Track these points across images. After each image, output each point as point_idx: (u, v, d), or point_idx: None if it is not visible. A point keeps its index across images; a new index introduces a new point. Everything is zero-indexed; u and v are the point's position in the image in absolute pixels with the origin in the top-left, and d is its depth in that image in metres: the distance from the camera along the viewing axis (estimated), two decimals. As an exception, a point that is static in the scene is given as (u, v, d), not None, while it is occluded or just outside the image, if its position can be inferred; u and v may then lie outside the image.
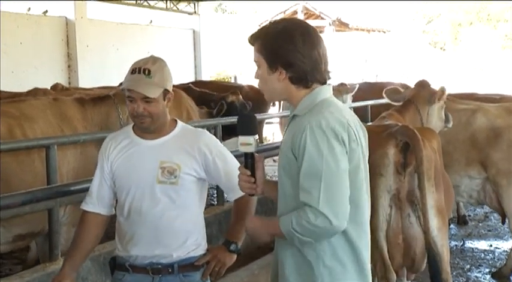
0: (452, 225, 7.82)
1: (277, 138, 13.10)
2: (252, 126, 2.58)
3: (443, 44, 38.19)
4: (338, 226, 2.31)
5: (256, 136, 2.56)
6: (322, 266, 2.42)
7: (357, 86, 10.45)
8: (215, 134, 7.20)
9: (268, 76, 2.49)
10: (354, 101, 10.25)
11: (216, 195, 7.12)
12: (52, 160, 4.65)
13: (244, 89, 11.72)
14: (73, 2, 15.60)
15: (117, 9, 18.39)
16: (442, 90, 5.64)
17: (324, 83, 2.51)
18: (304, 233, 2.33)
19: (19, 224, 4.58)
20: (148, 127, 2.93)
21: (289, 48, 2.42)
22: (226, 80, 22.94)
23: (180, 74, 17.08)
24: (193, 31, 20.96)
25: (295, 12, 24.46)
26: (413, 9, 37.06)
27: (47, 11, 15.56)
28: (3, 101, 5.50)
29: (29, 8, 15.19)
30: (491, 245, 7.33)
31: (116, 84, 9.59)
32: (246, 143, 2.53)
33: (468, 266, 6.59)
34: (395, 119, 5.27)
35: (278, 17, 20.17)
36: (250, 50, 2.56)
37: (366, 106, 10.17)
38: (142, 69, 2.85)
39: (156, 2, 19.16)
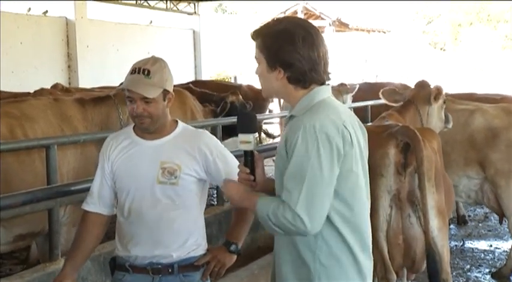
0: (452, 226, 7.82)
1: (276, 138, 13.10)
2: (251, 125, 2.59)
3: (444, 44, 38.19)
4: (311, 230, 2.33)
5: (256, 134, 2.58)
6: (319, 264, 2.43)
7: (357, 86, 10.45)
8: (215, 134, 7.20)
9: (268, 74, 2.50)
10: (354, 101, 10.25)
11: (216, 195, 7.12)
12: (52, 160, 4.65)
13: (242, 89, 11.73)
14: (73, 2, 15.61)
15: (117, 9, 18.39)
16: (438, 88, 5.63)
17: (323, 83, 2.51)
18: (277, 224, 2.35)
19: (19, 224, 4.58)
20: (148, 127, 2.93)
21: (288, 49, 2.43)
22: (227, 80, 22.94)
23: (180, 74, 17.07)
24: (193, 31, 20.97)
25: (295, 13, 24.46)
26: (414, 9, 37.09)
27: (47, 11, 15.57)
28: (4, 101, 5.50)
29: (29, 8, 15.20)
30: (491, 245, 7.33)
31: (116, 84, 9.59)
32: (246, 141, 2.54)
33: (468, 266, 6.59)
34: (395, 119, 5.27)
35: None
36: (250, 50, 2.57)
37: (366, 106, 10.17)
38: (142, 70, 2.86)
39: (156, 2, 19.16)
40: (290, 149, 2.38)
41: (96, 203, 3.04)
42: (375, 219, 4.15)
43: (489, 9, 36.23)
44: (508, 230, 6.38)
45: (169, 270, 2.92)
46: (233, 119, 7.36)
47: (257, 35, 2.52)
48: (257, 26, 2.57)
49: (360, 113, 9.06)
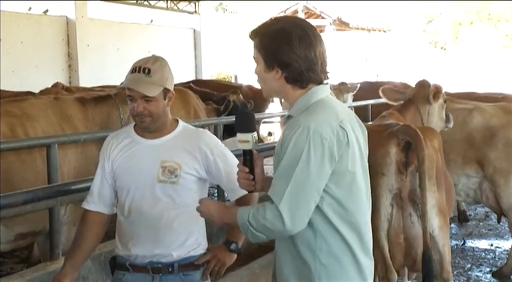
0: (452, 225, 7.82)
1: (277, 138, 13.08)
2: (250, 124, 2.58)
3: (444, 43, 38.17)
4: (290, 229, 2.33)
5: (255, 133, 2.57)
6: (319, 264, 2.43)
7: (359, 85, 10.44)
8: (216, 133, 7.21)
9: (265, 74, 2.50)
10: (354, 100, 10.24)
11: (216, 194, 7.12)
12: (53, 159, 4.65)
13: (243, 89, 11.73)
14: (73, 1, 15.61)
15: (118, 8, 18.39)
16: (437, 87, 5.63)
17: (321, 83, 2.51)
18: (258, 228, 2.35)
19: (20, 222, 4.58)
20: (149, 126, 2.93)
21: (285, 49, 2.43)
22: (227, 80, 22.94)
23: (181, 73, 17.07)
24: (194, 30, 20.98)
25: (296, 12, 24.47)
26: (414, 8, 37.05)
27: (47, 11, 15.57)
28: (5, 100, 5.50)
29: (30, 8, 15.21)
30: (491, 244, 7.33)
31: (116, 83, 9.59)
32: (244, 140, 2.54)
33: (469, 266, 6.59)
34: (395, 118, 5.27)
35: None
36: (251, 49, 2.56)
37: (367, 105, 10.16)
38: (142, 68, 2.86)
39: (157, 1, 19.17)
40: (284, 148, 2.38)
41: (97, 202, 3.04)
42: (376, 218, 4.15)
43: (490, 8, 36.20)
44: (508, 229, 6.38)
45: (170, 270, 2.92)
46: (234, 118, 7.34)
47: (255, 34, 2.52)
48: (256, 25, 2.57)
49: (360, 112, 9.07)
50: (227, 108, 8.74)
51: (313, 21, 23.21)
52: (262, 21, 2.58)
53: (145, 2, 18.87)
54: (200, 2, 20.85)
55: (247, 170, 2.56)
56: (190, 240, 2.96)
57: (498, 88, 13.15)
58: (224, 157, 2.98)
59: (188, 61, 20.46)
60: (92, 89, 9.81)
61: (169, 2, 19.63)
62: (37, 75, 14.35)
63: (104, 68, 16.01)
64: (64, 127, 5.13)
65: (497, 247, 7.23)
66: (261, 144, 7.70)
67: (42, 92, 7.89)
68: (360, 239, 2.47)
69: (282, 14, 23.40)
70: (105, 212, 3.05)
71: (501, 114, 6.19)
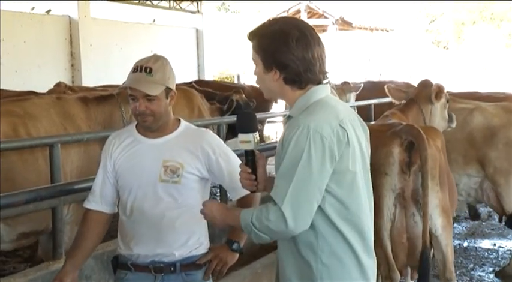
0: (455, 224, 7.80)
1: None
2: (251, 124, 2.58)
3: (447, 43, 38.12)
4: (293, 230, 2.33)
5: (256, 134, 2.57)
6: (321, 264, 2.43)
7: (362, 85, 10.43)
8: (218, 133, 7.21)
9: (264, 75, 2.50)
10: (357, 99, 10.24)
11: (219, 194, 7.12)
12: (56, 159, 4.65)
13: (246, 89, 11.71)
14: (76, 1, 15.62)
15: (121, 8, 18.39)
16: (439, 87, 5.63)
17: (320, 83, 2.51)
18: (261, 229, 2.35)
19: (23, 222, 4.59)
20: (151, 125, 2.93)
21: (283, 50, 2.43)
22: (230, 79, 22.95)
23: (183, 73, 17.09)
24: (197, 30, 20.98)
25: (298, 11, 24.46)
26: (417, 8, 37.00)
27: (50, 10, 15.58)
28: (8, 100, 5.50)
29: (33, 7, 15.22)
30: (494, 244, 7.32)
31: (119, 83, 9.59)
32: (246, 140, 2.54)
33: (472, 265, 6.58)
34: (398, 118, 5.27)
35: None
36: (251, 50, 2.56)
37: (369, 105, 10.15)
38: (144, 68, 2.86)
39: (159, 1, 19.18)
40: (284, 148, 2.38)
41: (98, 201, 3.04)
42: (379, 218, 4.15)
43: (492, 8, 36.14)
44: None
45: (172, 269, 2.92)
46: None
47: (253, 36, 2.52)
48: (254, 27, 2.57)
49: (363, 111, 9.06)
50: (230, 107, 8.74)
51: (315, 21, 23.24)
52: (261, 22, 2.58)
53: (148, 2, 18.87)
54: (203, 2, 20.84)
55: (249, 170, 2.56)
56: (192, 239, 2.96)
57: (501, 87, 13.14)
58: (226, 157, 2.98)
59: (191, 61, 20.46)
60: (94, 89, 9.81)
61: (172, 1, 19.63)
62: (40, 75, 14.36)
63: (107, 68, 16.02)
64: (67, 127, 5.13)
65: (500, 247, 7.22)
66: (262, 143, 7.70)
67: (50, 92, 7.90)
68: (361, 238, 2.47)
69: (285, 14, 23.41)
70: (106, 211, 3.05)
71: (502, 114, 6.19)
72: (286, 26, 2.47)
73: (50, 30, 15.28)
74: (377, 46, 27.80)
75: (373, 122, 6.59)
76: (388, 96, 6.17)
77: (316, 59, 2.46)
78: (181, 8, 20.22)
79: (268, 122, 12.37)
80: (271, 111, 11.82)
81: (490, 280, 6.20)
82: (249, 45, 2.54)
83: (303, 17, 23.11)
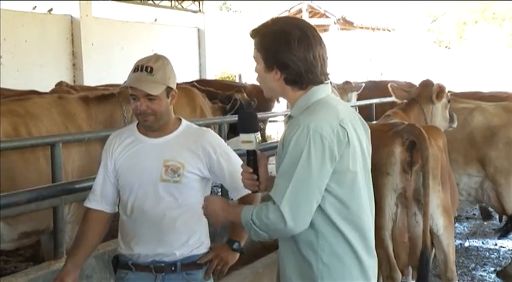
0: (456, 224, 7.80)
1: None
2: (252, 124, 2.59)
3: (448, 42, 38.09)
4: (292, 229, 2.33)
5: (258, 133, 2.57)
6: (321, 263, 2.43)
7: (363, 85, 10.43)
8: (220, 132, 7.20)
9: (265, 74, 2.50)
10: (358, 99, 10.24)
11: (220, 193, 7.12)
12: (57, 158, 4.65)
13: (247, 88, 11.72)
14: (78, 0, 15.63)
15: (122, 7, 18.41)
16: (440, 86, 5.63)
17: (321, 83, 2.50)
18: (261, 227, 2.36)
19: (24, 221, 4.59)
20: (152, 125, 2.93)
21: (284, 50, 2.42)
22: (231, 79, 22.95)
23: (185, 72, 17.10)
24: (198, 29, 20.99)
25: (300, 11, 24.45)
26: (418, 7, 36.98)
27: (52, 10, 15.59)
28: (9, 99, 5.50)
29: (35, 7, 15.23)
30: (496, 244, 7.31)
31: (120, 82, 9.59)
32: (247, 140, 2.54)
33: (473, 265, 6.58)
34: (400, 117, 5.27)
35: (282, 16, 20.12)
36: (253, 48, 2.56)
37: (371, 104, 10.15)
38: (145, 67, 2.86)
39: (161, 0, 19.18)
40: (285, 148, 2.39)
41: (99, 201, 3.04)
42: (381, 218, 4.14)
43: (494, 7, 36.10)
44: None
45: (172, 269, 2.92)
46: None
47: (255, 34, 2.52)
48: (257, 25, 2.57)
49: (364, 111, 9.07)
50: (234, 106, 8.73)
51: (317, 21, 23.24)
52: (263, 21, 2.57)
53: (150, 1, 18.89)
54: (204, 1, 20.86)
55: (251, 170, 2.56)
56: (193, 239, 2.96)
57: (503, 87, 13.13)
58: (227, 156, 2.98)
59: (192, 60, 20.46)
60: (96, 88, 9.81)
61: (173, 1, 19.65)
62: (41, 74, 14.37)
63: (109, 67, 16.02)
64: (68, 126, 5.13)
65: (502, 247, 7.21)
66: (264, 143, 7.70)
67: (53, 92, 7.90)
68: (362, 238, 2.47)
69: (286, 13, 23.41)
70: (107, 211, 3.05)
71: (502, 113, 6.19)
72: (288, 26, 2.46)
73: (52, 29, 15.29)
74: (379, 46, 27.77)
75: (375, 122, 6.60)
76: (389, 96, 6.18)
77: (318, 60, 2.46)
78: (182, 7, 20.23)
79: (270, 121, 12.37)
80: (272, 110, 11.82)
81: (491, 280, 6.20)
82: (251, 44, 2.54)
83: (305, 16, 23.12)
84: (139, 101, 2.86)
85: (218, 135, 3.12)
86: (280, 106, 12.04)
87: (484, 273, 6.35)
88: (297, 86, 2.48)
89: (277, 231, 2.35)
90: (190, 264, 2.95)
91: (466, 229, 7.93)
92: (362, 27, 27.04)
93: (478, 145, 6.11)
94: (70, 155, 4.98)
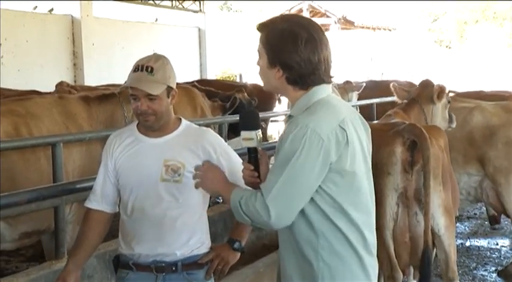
0: (457, 224, 7.79)
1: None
2: (254, 122, 2.59)
3: (449, 42, 38.09)
4: (274, 224, 2.36)
5: (259, 131, 2.57)
6: (322, 263, 2.43)
7: (364, 84, 10.43)
8: (220, 132, 7.20)
9: (267, 70, 2.50)
10: (359, 99, 10.24)
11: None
12: (58, 158, 4.66)
13: (248, 88, 11.71)
14: (79, 0, 15.63)
15: (123, 7, 18.41)
16: (440, 87, 5.64)
17: (322, 84, 2.50)
18: (246, 213, 2.39)
19: (25, 221, 4.59)
20: (153, 125, 2.93)
21: (289, 51, 2.42)
22: (232, 78, 22.95)
23: (186, 72, 17.10)
24: (199, 29, 20.98)
25: (301, 11, 24.46)
26: (419, 7, 36.99)
27: (52, 9, 15.60)
28: (10, 99, 5.51)
29: (35, 7, 15.23)
30: (497, 244, 7.31)
31: (121, 82, 9.59)
32: (248, 138, 2.55)
33: (474, 265, 6.58)
34: (401, 117, 5.27)
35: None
36: (256, 48, 2.55)
37: (372, 104, 10.15)
38: (145, 67, 2.85)
39: (162, 0, 19.17)
40: (281, 145, 2.39)
41: (99, 201, 3.03)
42: (382, 218, 4.14)
43: (495, 7, 36.09)
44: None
45: (173, 269, 2.91)
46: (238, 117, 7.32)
47: (262, 28, 2.51)
48: (266, 19, 2.56)
49: (365, 111, 9.08)
50: (233, 105, 8.72)
51: (318, 20, 23.18)
52: (271, 17, 2.56)
53: (150, 1, 18.88)
54: (205, 1, 20.85)
55: (252, 167, 2.56)
56: (193, 239, 2.96)
57: (503, 86, 13.11)
58: (227, 156, 2.98)
59: (193, 60, 20.46)
60: (96, 88, 9.81)
61: (174, 1, 19.64)
62: (42, 74, 14.37)
63: (109, 67, 16.03)
64: (69, 126, 5.13)
65: (503, 246, 7.21)
66: (265, 142, 7.70)
67: (55, 92, 7.91)
68: (362, 238, 2.46)
69: (287, 13, 23.37)
70: (107, 211, 3.05)
71: (501, 113, 6.19)
72: (296, 26, 2.45)
73: (52, 29, 15.29)
74: (379, 45, 27.79)
75: (375, 121, 6.60)
76: (390, 95, 6.19)
77: (322, 63, 2.45)
78: (183, 7, 20.22)
79: (271, 121, 12.36)
80: (273, 110, 11.82)
81: (492, 279, 6.19)
82: (252, 44, 2.54)
83: (305, 16, 23.11)
84: (140, 101, 2.86)
85: (218, 135, 3.12)
86: (281, 106, 12.04)
87: (485, 273, 6.35)
88: (298, 86, 2.47)
89: (260, 222, 2.38)
90: (191, 264, 2.95)
91: (467, 229, 7.93)
92: (363, 27, 27.05)
93: (478, 144, 6.11)
94: (71, 154, 4.98)
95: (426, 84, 5.84)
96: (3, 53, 13.71)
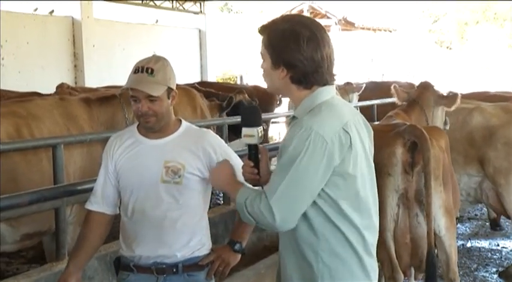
0: (458, 225, 7.79)
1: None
2: (255, 118, 2.59)
3: (450, 43, 38.08)
4: (278, 226, 2.35)
5: (260, 128, 2.57)
6: (322, 264, 2.43)
7: (364, 85, 10.43)
8: (221, 134, 7.20)
9: (271, 71, 2.50)
10: (360, 100, 10.24)
11: (222, 194, 7.12)
12: (59, 159, 4.66)
13: (249, 89, 11.72)
14: (79, 2, 15.65)
15: (123, 9, 18.43)
16: (456, 93, 5.70)
17: (326, 84, 2.50)
18: (251, 213, 2.38)
19: (26, 223, 4.59)
20: (154, 126, 2.93)
21: (292, 49, 2.42)
22: (233, 80, 22.96)
23: (186, 73, 17.12)
24: (199, 31, 21.00)
25: (301, 12, 24.45)
26: (420, 8, 36.98)
27: (53, 11, 15.61)
28: (11, 101, 5.51)
29: (36, 8, 15.25)
30: (498, 245, 7.30)
31: (122, 83, 9.59)
32: (249, 134, 2.55)
33: (475, 266, 6.57)
34: (402, 118, 5.28)
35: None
36: (256, 49, 2.56)
37: (372, 105, 10.15)
38: (145, 68, 2.85)
39: (162, 1, 19.19)
40: (285, 147, 2.39)
41: (100, 203, 3.03)
42: (382, 219, 4.14)
43: (495, 7, 36.08)
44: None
45: (174, 270, 2.91)
46: (239, 119, 7.33)
47: (264, 30, 2.52)
48: (266, 21, 2.57)
49: (366, 112, 9.06)
50: (230, 103, 8.76)
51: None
52: (271, 18, 2.57)
53: (151, 3, 18.89)
54: (205, 2, 20.86)
55: (252, 164, 2.57)
56: (194, 240, 2.95)
57: (504, 87, 13.12)
58: (228, 157, 2.97)
59: (194, 61, 20.47)
60: (97, 90, 9.82)
61: (174, 2, 19.65)
62: (43, 76, 14.39)
63: (110, 68, 16.04)
64: (70, 127, 5.14)
65: (504, 247, 7.21)
66: (266, 144, 7.70)
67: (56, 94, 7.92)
68: (362, 238, 2.46)
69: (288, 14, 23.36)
70: (108, 213, 3.05)
71: (501, 113, 6.20)
72: (297, 25, 2.46)
73: (53, 31, 15.30)
74: (380, 46, 27.79)
75: (377, 122, 6.61)
76: (391, 97, 6.20)
77: (325, 61, 2.46)
78: (184, 8, 20.23)
79: (272, 122, 12.36)
80: (274, 111, 11.82)
81: (493, 280, 6.19)
82: (252, 45, 2.55)
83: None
84: (141, 103, 2.86)
85: (218, 136, 3.12)
86: (282, 107, 12.04)
87: (486, 274, 6.34)
88: (302, 85, 2.47)
89: (264, 223, 2.38)
90: (192, 265, 2.94)
91: (468, 230, 7.92)
92: (363, 28, 27.05)
93: (477, 145, 6.12)
94: (72, 156, 4.99)
95: (426, 86, 5.85)
96: (4, 54, 13.72)
